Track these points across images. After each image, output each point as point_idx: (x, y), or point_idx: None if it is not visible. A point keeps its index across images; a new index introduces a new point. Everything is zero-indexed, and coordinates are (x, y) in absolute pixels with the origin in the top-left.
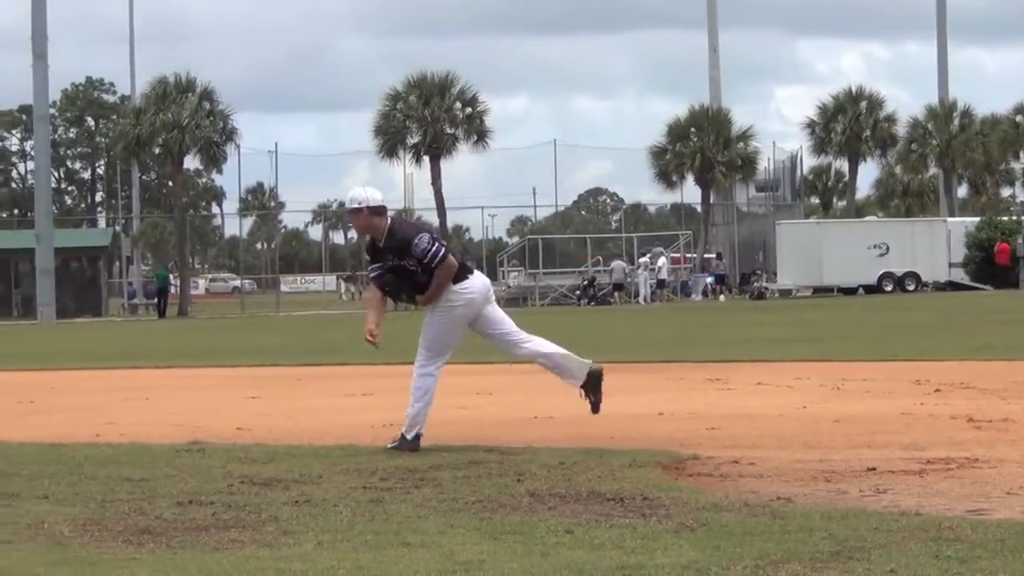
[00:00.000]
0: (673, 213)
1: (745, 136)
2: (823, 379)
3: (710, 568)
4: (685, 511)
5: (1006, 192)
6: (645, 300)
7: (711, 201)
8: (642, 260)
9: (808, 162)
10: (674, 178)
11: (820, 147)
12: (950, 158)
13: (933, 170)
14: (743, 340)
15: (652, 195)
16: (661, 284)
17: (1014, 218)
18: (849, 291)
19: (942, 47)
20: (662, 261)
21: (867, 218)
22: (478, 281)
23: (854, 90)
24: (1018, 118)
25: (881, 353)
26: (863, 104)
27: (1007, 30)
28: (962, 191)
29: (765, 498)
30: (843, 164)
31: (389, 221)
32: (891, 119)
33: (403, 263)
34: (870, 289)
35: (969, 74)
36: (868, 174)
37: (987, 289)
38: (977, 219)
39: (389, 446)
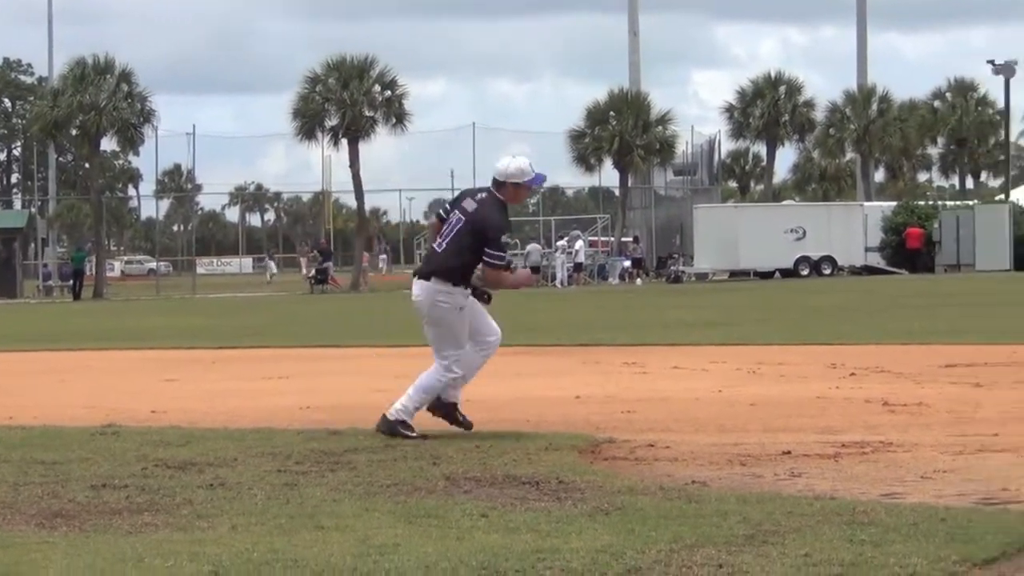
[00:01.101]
0: (591, 196)
1: (663, 120)
2: (739, 363)
3: (625, 552)
4: (600, 495)
5: (923, 177)
6: (562, 283)
7: (629, 184)
8: (559, 243)
9: (726, 146)
10: (592, 161)
11: (738, 131)
12: (868, 143)
13: (851, 155)
14: (659, 324)
15: (570, 178)
16: (578, 267)
17: (931, 203)
18: (765, 275)
19: (862, 32)
20: (579, 244)
21: (784, 202)
22: (413, 288)
23: (773, 75)
24: (936, 103)
25: (797, 337)
26: (782, 89)
27: (925, 15)
28: (879, 176)
29: (680, 482)
30: (761, 148)
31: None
32: (809, 104)
33: None
34: (786, 273)
35: (887, 59)
36: (786, 158)
37: (903, 273)
38: (894, 204)
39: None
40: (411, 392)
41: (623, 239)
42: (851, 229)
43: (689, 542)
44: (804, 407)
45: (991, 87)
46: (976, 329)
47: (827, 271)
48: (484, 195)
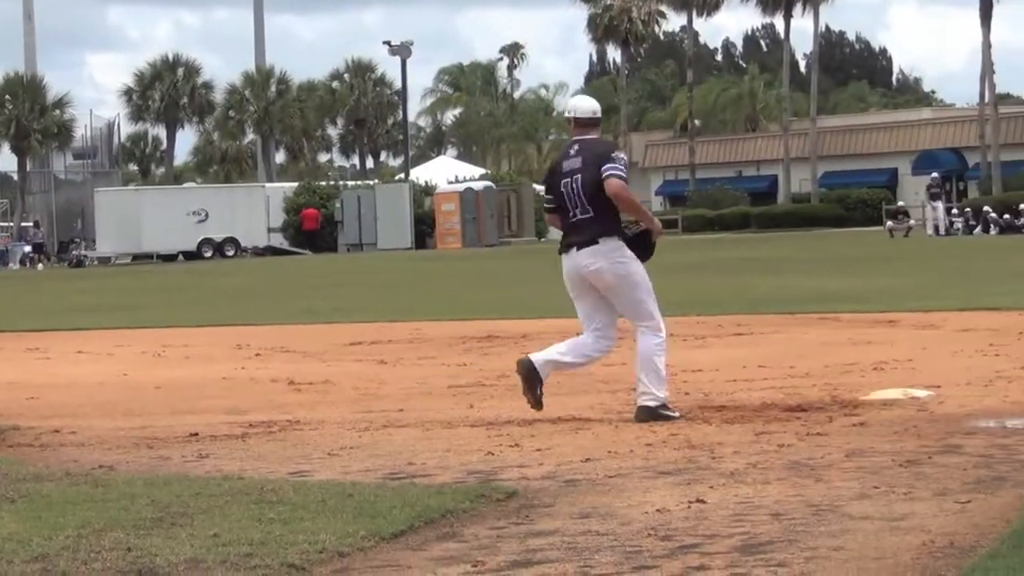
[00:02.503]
0: None
1: (61, 104)
2: (144, 346)
3: (31, 539)
4: (5, 482)
5: (324, 157)
6: None
7: (28, 169)
8: None
9: (126, 129)
10: None
11: (138, 114)
12: (268, 124)
13: (251, 136)
14: (62, 309)
15: None
16: None
17: (332, 183)
18: (169, 257)
19: (258, 15)
20: None
21: (186, 184)
22: (567, 263)
23: (171, 57)
24: (335, 84)
25: (201, 319)
26: (180, 71)
27: None
28: (280, 157)
29: (87, 467)
30: (161, 131)
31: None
32: (208, 86)
33: None
34: (190, 255)
35: (284, 41)
36: (186, 141)
37: (306, 253)
38: (295, 184)
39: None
40: (644, 376)
41: (23, 224)
42: (254, 210)
43: (97, 527)
44: (210, 388)
45: (388, 68)
46: (380, 307)
47: (231, 252)
48: (578, 145)
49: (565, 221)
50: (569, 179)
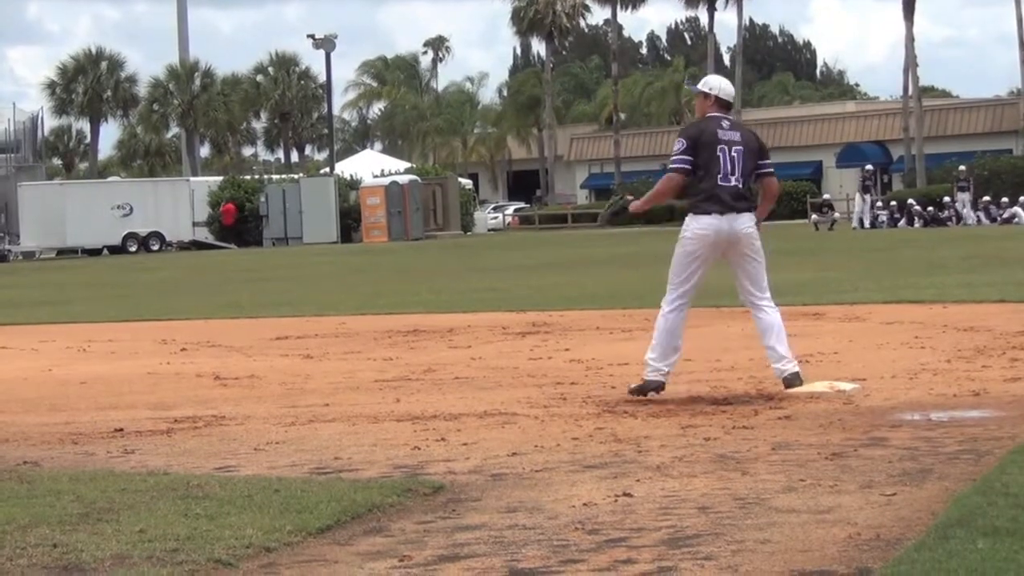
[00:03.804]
0: None
1: None
2: (69, 341)
3: None
4: None
5: (248, 151)
6: None
7: None
8: None
9: (49, 123)
10: None
11: (61, 108)
12: (192, 118)
13: (175, 130)
14: None
15: None
16: None
17: (257, 176)
18: (94, 252)
19: (182, 8)
20: None
21: (110, 179)
22: (722, 224)
23: (93, 51)
24: (259, 78)
25: (126, 314)
26: (103, 65)
27: None
28: (205, 150)
29: (11, 463)
30: (85, 125)
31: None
32: (132, 79)
33: None
34: (115, 250)
35: (207, 35)
36: (110, 135)
37: (232, 247)
38: (220, 178)
39: (631, 387)
40: (780, 346)
41: None
42: (178, 204)
43: (22, 523)
44: (135, 384)
45: (312, 61)
46: (306, 301)
47: (156, 247)
48: (727, 121)
49: (712, 184)
50: (728, 147)
